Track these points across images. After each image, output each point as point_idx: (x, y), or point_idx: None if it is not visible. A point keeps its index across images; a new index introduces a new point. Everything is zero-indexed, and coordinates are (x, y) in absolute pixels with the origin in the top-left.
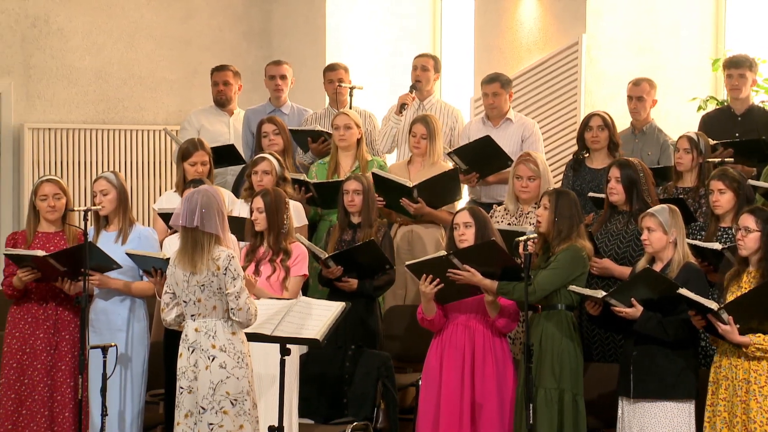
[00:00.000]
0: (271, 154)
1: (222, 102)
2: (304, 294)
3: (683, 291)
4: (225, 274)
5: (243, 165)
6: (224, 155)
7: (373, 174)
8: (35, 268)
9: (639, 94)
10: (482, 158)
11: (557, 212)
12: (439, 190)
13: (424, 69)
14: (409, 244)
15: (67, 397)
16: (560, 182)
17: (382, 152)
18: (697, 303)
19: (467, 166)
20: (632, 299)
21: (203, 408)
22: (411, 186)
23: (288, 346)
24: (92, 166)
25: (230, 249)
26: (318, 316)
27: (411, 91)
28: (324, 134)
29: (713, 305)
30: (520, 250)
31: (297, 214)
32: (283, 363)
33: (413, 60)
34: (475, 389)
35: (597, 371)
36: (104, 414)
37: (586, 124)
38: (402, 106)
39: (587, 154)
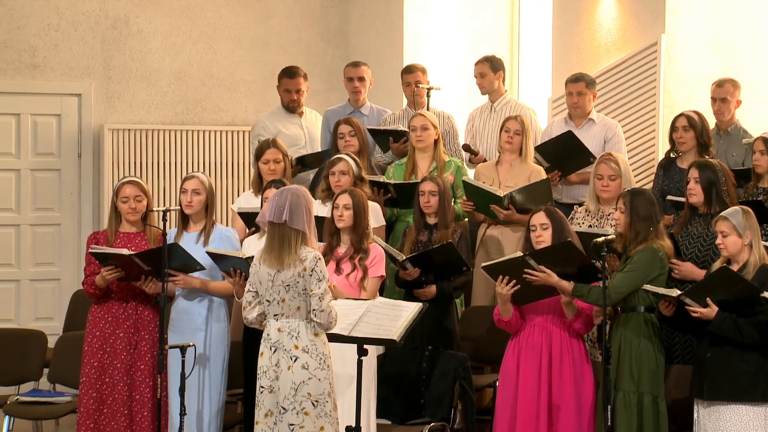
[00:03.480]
0: (347, 154)
1: (293, 109)
2: (381, 295)
3: None
4: (311, 275)
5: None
6: (314, 160)
7: (464, 182)
8: (119, 266)
9: (722, 95)
10: (564, 155)
11: (633, 213)
12: (530, 197)
13: (482, 76)
14: (499, 244)
15: (146, 396)
16: (641, 182)
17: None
18: None
19: (549, 164)
20: (707, 299)
21: (284, 408)
22: (502, 195)
23: (365, 346)
24: (171, 167)
25: (316, 250)
26: (395, 317)
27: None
28: (406, 134)
29: None
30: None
31: (375, 215)
32: (360, 363)
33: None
34: (552, 391)
35: (678, 373)
36: (183, 413)
37: (673, 125)
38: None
39: (680, 154)
